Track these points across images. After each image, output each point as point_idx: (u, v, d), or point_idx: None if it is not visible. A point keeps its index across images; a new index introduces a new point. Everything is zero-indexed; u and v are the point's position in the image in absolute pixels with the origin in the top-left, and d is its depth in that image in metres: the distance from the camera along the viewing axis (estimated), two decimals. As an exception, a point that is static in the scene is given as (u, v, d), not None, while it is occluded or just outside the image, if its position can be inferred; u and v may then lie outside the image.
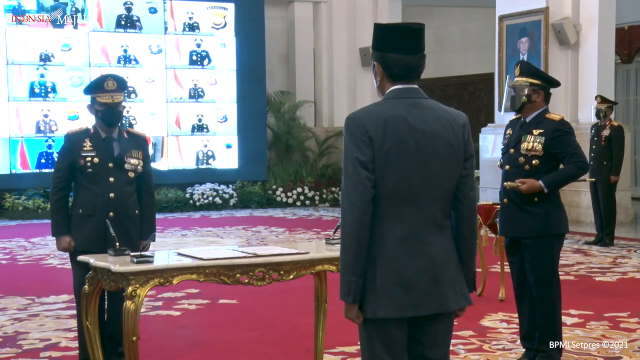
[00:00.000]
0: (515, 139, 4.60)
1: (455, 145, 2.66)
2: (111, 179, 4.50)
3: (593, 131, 9.48)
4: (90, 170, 4.49)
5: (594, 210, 9.55)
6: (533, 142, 4.50)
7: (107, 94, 4.48)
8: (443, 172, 2.64)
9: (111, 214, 4.43)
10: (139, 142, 4.66)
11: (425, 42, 2.73)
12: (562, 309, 4.65)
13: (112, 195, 4.48)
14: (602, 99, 9.48)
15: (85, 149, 4.51)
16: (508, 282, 5.61)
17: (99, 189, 4.48)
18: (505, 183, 4.56)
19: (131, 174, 4.57)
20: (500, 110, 12.01)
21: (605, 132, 9.24)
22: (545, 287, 4.48)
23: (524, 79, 4.57)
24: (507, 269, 5.48)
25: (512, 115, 4.87)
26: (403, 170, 2.60)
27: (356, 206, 2.57)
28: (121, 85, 4.55)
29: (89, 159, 4.49)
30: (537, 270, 4.48)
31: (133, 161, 4.58)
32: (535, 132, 4.51)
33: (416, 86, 2.72)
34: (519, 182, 4.48)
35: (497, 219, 6.13)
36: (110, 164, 4.51)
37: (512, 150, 4.60)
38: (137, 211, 4.58)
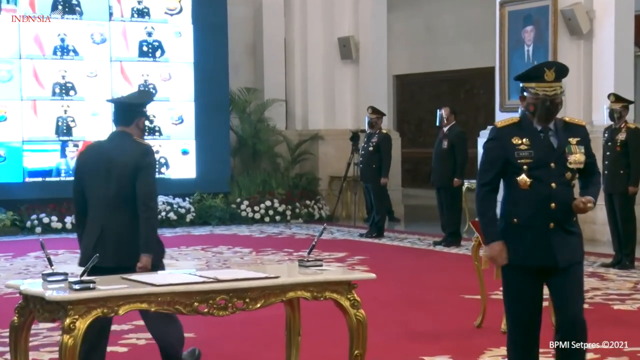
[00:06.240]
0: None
1: None
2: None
3: (607, 135, 9.54)
4: None
5: (611, 228, 9.61)
6: (579, 153, 4.42)
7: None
8: None
9: None
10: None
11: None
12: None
13: None
14: (617, 98, 9.54)
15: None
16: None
17: None
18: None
19: None
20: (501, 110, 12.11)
21: (621, 136, 9.30)
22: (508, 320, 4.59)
23: (560, 84, 4.46)
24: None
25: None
26: None
27: None
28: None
29: None
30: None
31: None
32: (573, 140, 4.43)
33: None
34: (584, 201, 4.37)
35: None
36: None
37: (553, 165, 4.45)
38: None
